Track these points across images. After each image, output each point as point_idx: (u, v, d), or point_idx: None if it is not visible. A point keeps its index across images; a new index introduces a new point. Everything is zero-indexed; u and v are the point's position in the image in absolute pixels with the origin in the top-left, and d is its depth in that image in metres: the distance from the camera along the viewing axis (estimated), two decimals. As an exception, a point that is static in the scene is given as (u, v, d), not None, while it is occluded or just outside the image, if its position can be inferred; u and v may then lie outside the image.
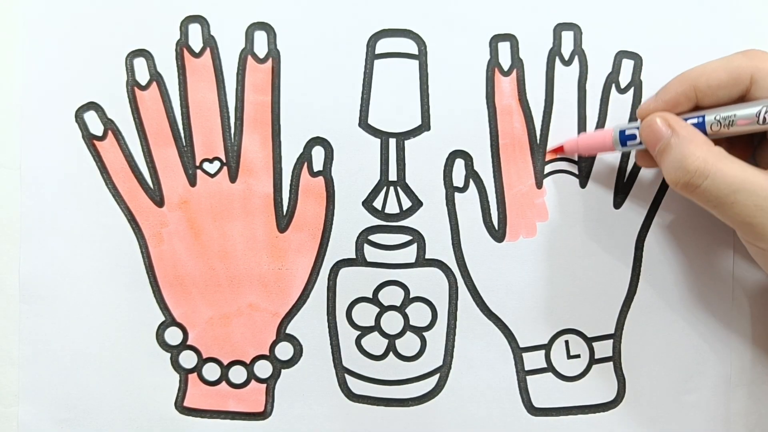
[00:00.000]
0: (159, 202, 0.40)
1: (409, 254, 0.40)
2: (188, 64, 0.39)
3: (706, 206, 0.33)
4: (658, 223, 0.40)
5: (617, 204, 0.40)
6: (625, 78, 0.40)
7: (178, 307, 0.40)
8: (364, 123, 0.39)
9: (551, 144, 0.40)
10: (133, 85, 0.40)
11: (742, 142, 0.36)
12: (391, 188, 0.40)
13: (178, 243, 0.40)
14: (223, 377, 0.40)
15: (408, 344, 0.40)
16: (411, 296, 0.40)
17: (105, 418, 0.40)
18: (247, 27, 0.39)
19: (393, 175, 0.40)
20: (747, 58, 0.33)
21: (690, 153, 0.32)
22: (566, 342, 0.40)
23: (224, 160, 0.40)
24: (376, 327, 0.40)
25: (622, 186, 0.40)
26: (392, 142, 0.39)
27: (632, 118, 0.39)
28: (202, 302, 0.40)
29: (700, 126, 0.33)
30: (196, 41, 0.39)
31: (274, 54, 0.39)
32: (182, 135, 0.40)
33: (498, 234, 0.40)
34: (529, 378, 0.40)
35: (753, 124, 0.32)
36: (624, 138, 0.36)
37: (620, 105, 0.40)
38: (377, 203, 0.40)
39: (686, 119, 0.34)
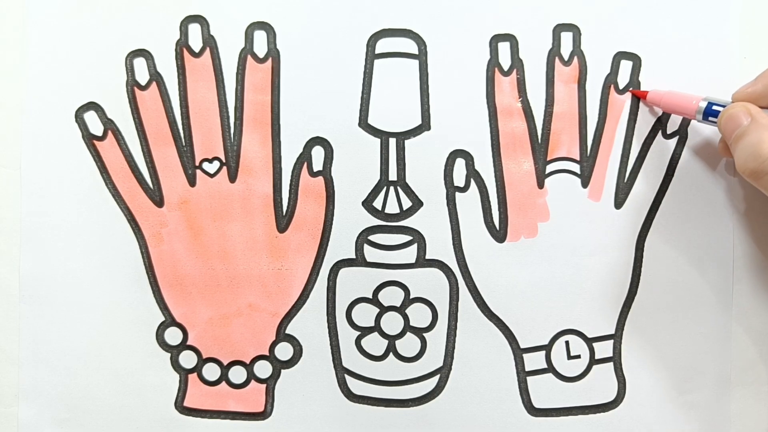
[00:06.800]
0: (159, 202, 0.40)
1: (410, 254, 0.40)
2: (188, 64, 0.39)
3: None
4: (658, 223, 0.40)
5: (618, 204, 0.40)
6: (623, 79, 0.39)
7: (178, 307, 0.40)
8: (364, 123, 0.39)
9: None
10: (133, 85, 0.40)
11: None
12: (391, 188, 0.40)
13: (178, 243, 0.40)
14: (223, 377, 0.40)
15: (408, 345, 0.40)
16: (411, 297, 0.40)
17: (105, 418, 0.40)
18: (246, 27, 0.39)
19: (393, 175, 0.40)
20: None
21: (766, 139, 0.31)
22: (567, 342, 0.40)
23: (224, 160, 0.40)
24: (376, 327, 0.40)
25: (623, 186, 0.40)
26: (392, 141, 0.39)
27: (630, 118, 0.39)
28: (202, 302, 0.40)
29: None
30: (195, 41, 0.39)
31: (273, 54, 0.39)
32: (182, 135, 0.40)
33: (499, 234, 0.40)
34: (529, 378, 0.40)
35: None
36: (709, 112, 0.36)
37: (619, 106, 0.39)
38: (377, 203, 0.40)
39: None
